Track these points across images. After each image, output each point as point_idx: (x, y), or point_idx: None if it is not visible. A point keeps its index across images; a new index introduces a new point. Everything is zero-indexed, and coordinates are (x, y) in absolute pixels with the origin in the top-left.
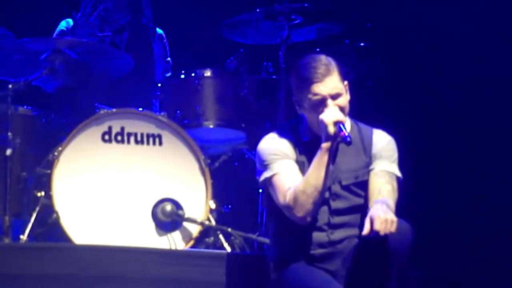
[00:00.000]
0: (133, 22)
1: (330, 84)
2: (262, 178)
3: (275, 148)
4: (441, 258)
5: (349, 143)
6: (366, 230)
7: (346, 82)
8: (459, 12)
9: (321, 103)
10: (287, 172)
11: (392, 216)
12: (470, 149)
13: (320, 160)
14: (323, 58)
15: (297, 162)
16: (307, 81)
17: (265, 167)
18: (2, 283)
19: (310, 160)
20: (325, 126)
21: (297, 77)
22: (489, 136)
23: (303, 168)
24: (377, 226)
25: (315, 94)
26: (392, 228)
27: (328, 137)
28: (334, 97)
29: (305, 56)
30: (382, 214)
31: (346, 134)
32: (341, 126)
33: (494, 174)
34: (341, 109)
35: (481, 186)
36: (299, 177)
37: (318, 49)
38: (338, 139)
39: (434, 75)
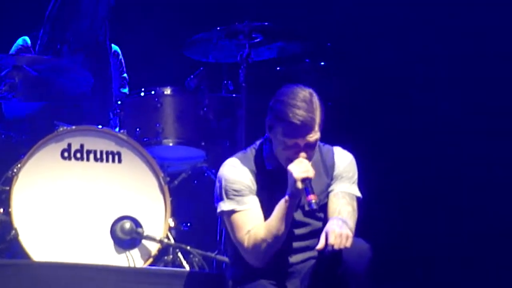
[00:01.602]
0: (92, 39)
1: (310, 136)
2: (220, 209)
3: (237, 180)
4: (405, 277)
5: (313, 210)
6: (320, 244)
7: (321, 124)
8: (422, 28)
9: (294, 147)
10: (248, 211)
11: (347, 231)
12: (432, 165)
13: (283, 212)
14: (309, 100)
15: (258, 192)
16: (287, 123)
17: (224, 199)
18: None
19: (271, 189)
20: (293, 180)
21: (278, 110)
22: (453, 150)
23: (263, 197)
24: (332, 240)
25: (292, 140)
26: (348, 243)
27: (294, 193)
28: (310, 146)
29: (292, 89)
30: (337, 229)
31: (313, 201)
32: (309, 186)
33: (458, 191)
34: (310, 157)
35: (444, 203)
36: (260, 216)
37: (278, 68)
38: (302, 196)
39: (394, 93)
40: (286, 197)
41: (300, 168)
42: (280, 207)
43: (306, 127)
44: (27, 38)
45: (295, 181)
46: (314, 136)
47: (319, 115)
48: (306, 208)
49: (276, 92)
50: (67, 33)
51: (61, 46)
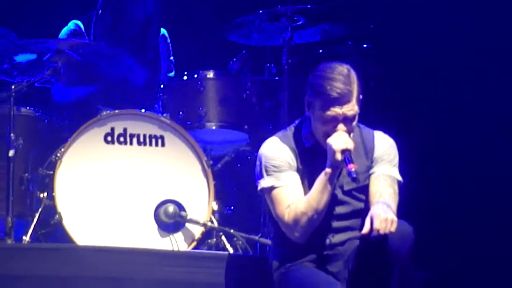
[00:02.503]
0: (144, 22)
1: (348, 107)
2: (260, 186)
3: (277, 157)
4: (447, 259)
5: (354, 180)
6: (366, 229)
7: (361, 97)
8: (463, 14)
9: (332, 121)
10: (287, 186)
11: (392, 216)
12: (471, 149)
13: (323, 184)
14: (347, 72)
15: (298, 169)
16: (326, 97)
17: (264, 176)
18: (4, 285)
19: (311, 167)
20: (332, 152)
21: (316, 85)
22: (490, 136)
23: (303, 175)
24: (377, 225)
25: (329, 112)
26: (392, 228)
27: (333, 164)
28: (348, 120)
29: (330, 64)
30: (383, 214)
31: (353, 170)
32: (348, 157)
33: (496, 174)
34: (349, 131)
35: (483, 185)
36: (300, 192)
37: (321, 51)
38: (342, 168)
39: (436, 76)
40: (326, 169)
41: (340, 140)
42: (320, 180)
43: (344, 99)
44: (79, 23)
45: (334, 152)
46: (352, 109)
47: (356, 88)
48: (345, 181)
49: (315, 69)
50: (119, 18)
51: (112, 31)
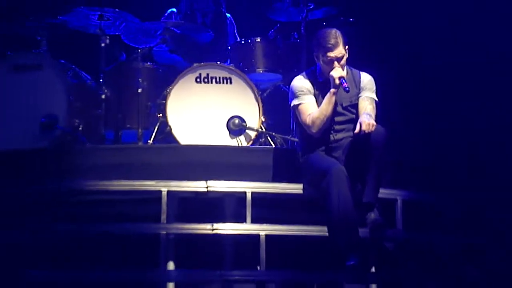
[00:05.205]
0: (215, 10)
1: (337, 52)
2: (292, 104)
3: (302, 85)
4: (413, 147)
5: (347, 91)
6: (357, 129)
7: (347, 47)
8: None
9: (331, 62)
10: (308, 103)
11: (373, 121)
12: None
13: (329, 99)
14: (334, 32)
15: (314, 95)
16: (324, 48)
17: (295, 97)
18: (140, 168)
19: (323, 93)
20: (333, 79)
21: (317, 43)
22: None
23: (318, 98)
24: (364, 127)
25: (328, 57)
26: (373, 128)
27: (334, 86)
28: (339, 59)
29: (324, 29)
30: (367, 120)
31: (347, 86)
32: (343, 80)
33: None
34: (342, 66)
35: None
36: (315, 106)
37: (324, 23)
38: (340, 87)
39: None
40: (331, 89)
41: (337, 71)
42: (327, 97)
43: (334, 47)
44: (174, 10)
45: (334, 79)
46: (340, 52)
47: (341, 40)
48: (343, 100)
49: (317, 33)
50: (200, 5)
51: (196, 14)
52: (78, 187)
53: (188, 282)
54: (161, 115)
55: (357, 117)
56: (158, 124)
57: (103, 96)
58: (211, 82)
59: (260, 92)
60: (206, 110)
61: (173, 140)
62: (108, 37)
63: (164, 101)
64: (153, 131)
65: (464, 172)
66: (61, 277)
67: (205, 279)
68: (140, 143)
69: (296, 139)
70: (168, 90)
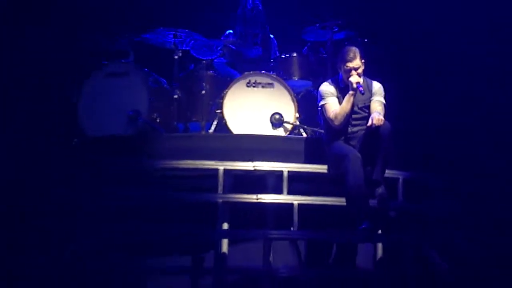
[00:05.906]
0: (262, 33)
1: (355, 63)
2: (320, 103)
3: (327, 89)
4: (412, 139)
5: (362, 94)
6: (369, 123)
7: (363, 60)
8: None
9: (350, 71)
10: (332, 103)
11: (382, 117)
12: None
13: (348, 99)
14: (353, 48)
15: (337, 97)
16: (344, 60)
17: (322, 98)
18: (202, 151)
19: (343, 95)
20: (351, 83)
21: (341, 57)
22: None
23: (340, 100)
24: (374, 121)
25: (347, 67)
26: (381, 123)
27: (352, 89)
28: (356, 69)
29: (345, 46)
30: (377, 116)
31: (362, 90)
32: (359, 85)
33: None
34: (359, 74)
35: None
36: (338, 106)
37: (346, 43)
38: (357, 90)
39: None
40: (350, 92)
41: (354, 78)
42: (347, 98)
43: (353, 60)
44: (231, 31)
45: (352, 83)
46: (358, 63)
47: (359, 54)
48: (359, 102)
49: (340, 49)
50: (251, 28)
51: (248, 34)
52: (159, 166)
53: (238, 239)
54: (219, 111)
55: (370, 115)
56: (217, 118)
57: (175, 97)
58: (258, 87)
59: (295, 95)
60: (253, 107)
61: (228, 130)
62: (180, 51)
63: (221, 101)
64: (213, 123)
65: (451, 159)
66: (151, 229)
67: (251, 237)
68: (203, 132)
69: (322, 131)
70: (225, 92)
